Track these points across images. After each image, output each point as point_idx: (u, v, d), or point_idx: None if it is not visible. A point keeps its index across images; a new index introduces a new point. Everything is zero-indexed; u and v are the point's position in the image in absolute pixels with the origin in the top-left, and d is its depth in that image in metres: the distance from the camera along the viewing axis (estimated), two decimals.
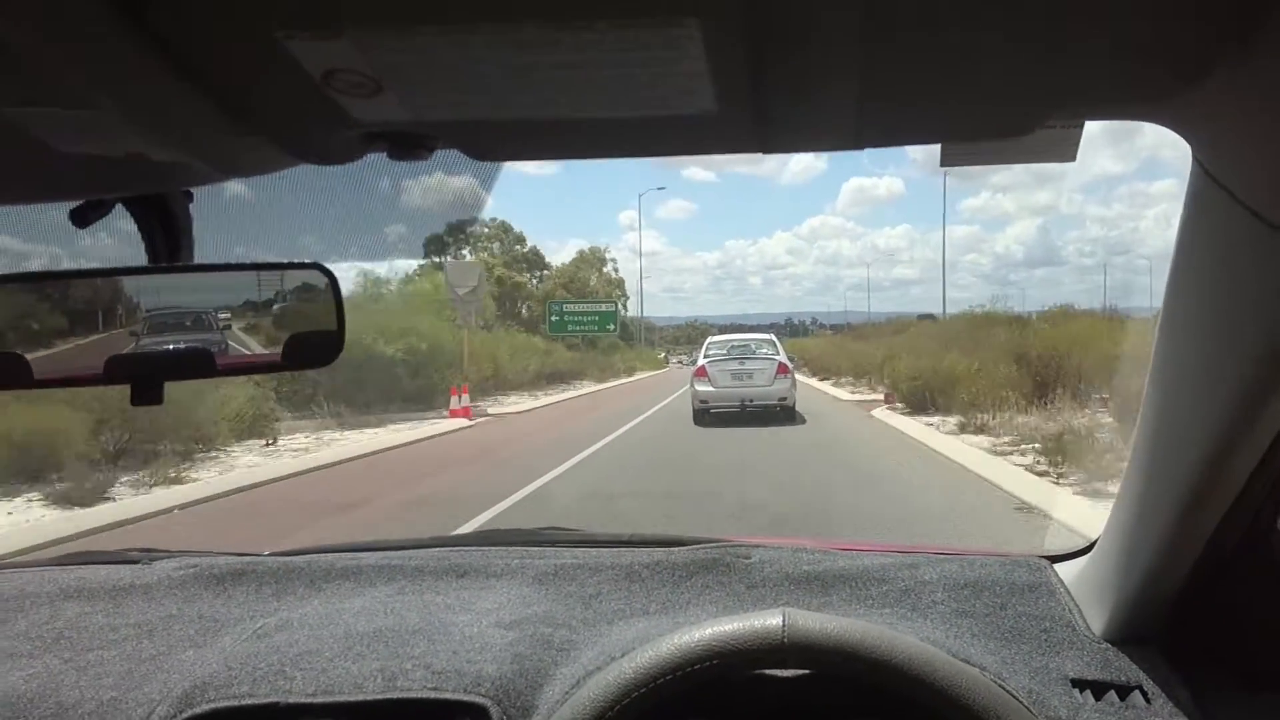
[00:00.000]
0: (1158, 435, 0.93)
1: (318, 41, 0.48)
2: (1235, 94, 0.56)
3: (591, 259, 61.95)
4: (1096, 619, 1.12)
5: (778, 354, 16.62)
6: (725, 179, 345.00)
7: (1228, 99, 0.57)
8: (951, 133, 0.63)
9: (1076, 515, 6.70)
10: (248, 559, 1.43)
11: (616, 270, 63.43)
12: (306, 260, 0.88)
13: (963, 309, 37.31)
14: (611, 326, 45.35)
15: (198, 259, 0.84)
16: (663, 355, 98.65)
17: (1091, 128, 0.66)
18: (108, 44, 0.47)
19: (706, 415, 15.74)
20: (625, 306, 63.32)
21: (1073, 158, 0.70)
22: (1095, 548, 1.17)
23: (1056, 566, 1.26)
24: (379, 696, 1.01)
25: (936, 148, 0.67)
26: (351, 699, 1.01)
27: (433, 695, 1.01)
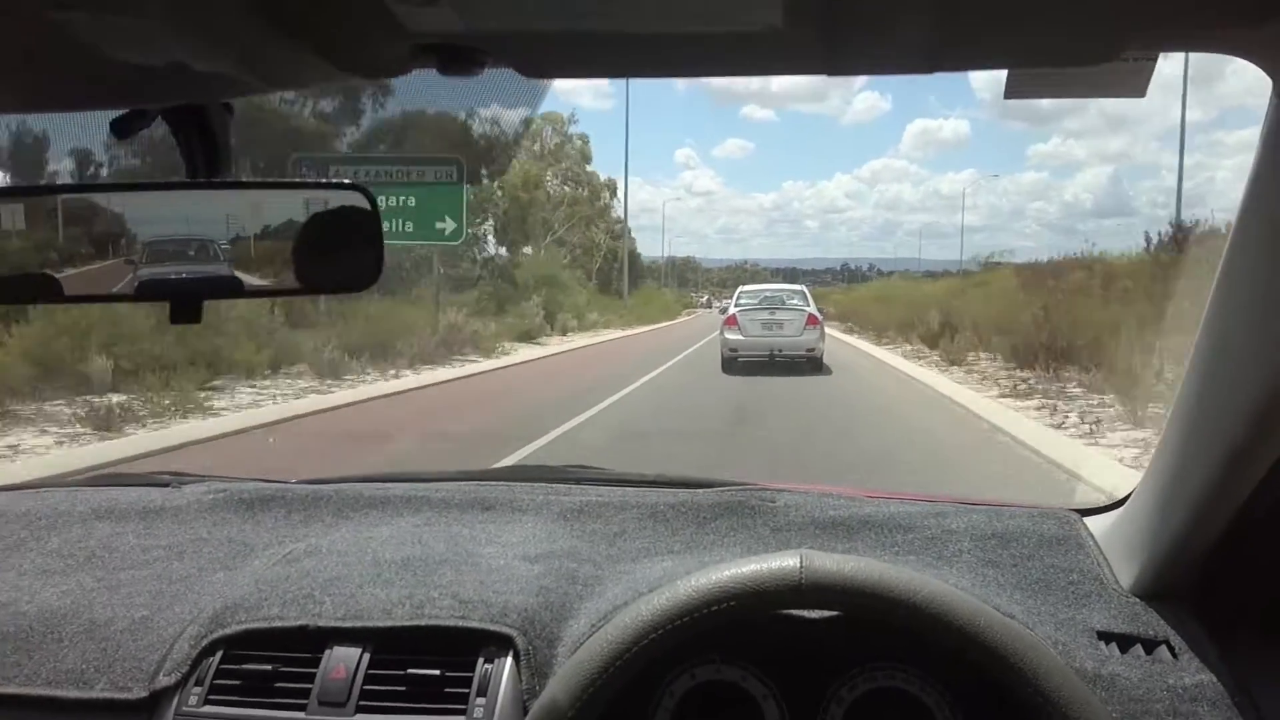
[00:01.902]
0: (1205, 387, 0.92)
1: None
2: None
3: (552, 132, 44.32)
4: (1125, 573, 1.11)
5: (807, 305, 16.63)
6: (785, 117, 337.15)
7: None
8: (1023, 58, 0.61)
9: None
10: (276, 485, 1.45)
11: (589, 163, 48.26)
12: (345, 181, 0.86)
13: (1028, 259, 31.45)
14: (446, 227, 17.69)
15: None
16: (705, 299, 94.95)
17: (1169, 71, 0.59)
18: None
19: (735, 364, 15.80)
20: (626, 234, 54.56)
21: (1142, 93, 0.68)
22: (1128, 502, 1.16)
23: (1086, 520, 1.25)
24: (407, 623, 1.02)
25: (1003, 85, 0.66)
26: (380, 624, 1.02)
27: (460, 624, 1.02)
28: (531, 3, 0.52)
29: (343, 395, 11.91)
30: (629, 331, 34.12)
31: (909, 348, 21.45)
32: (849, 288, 71.81)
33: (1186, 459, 0.97)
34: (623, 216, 54.75)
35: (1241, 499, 0.94)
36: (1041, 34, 0.56)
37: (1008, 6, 0.52)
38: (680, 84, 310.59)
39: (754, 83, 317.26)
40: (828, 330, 17.00)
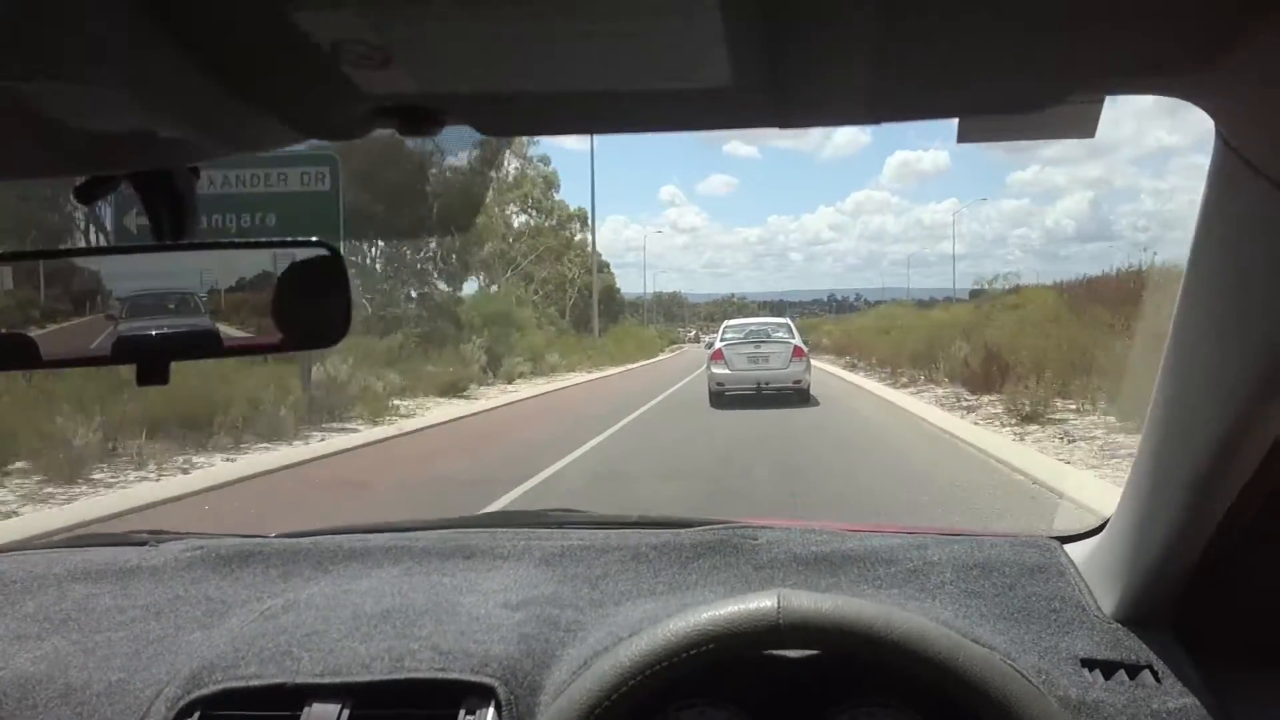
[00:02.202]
0: (1172, 414, 0.93)
1: (324, 10, 0.47)
2: (1257, 66, 0.56)
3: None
4: (1107, 599, 1.11)
5: (793, 338, 16.66)
6: (767, 154, 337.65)
7: (1250, 72, 0.57)
8: (967, 107, 0.63)
9: None
10: (254, 540, 1.43)
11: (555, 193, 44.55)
12: (312, 239, 0.87)
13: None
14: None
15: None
16: (693, 333, 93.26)
17: (1146, 100, 0.59)
18: (110, 18, 0.46)
19: (723, 398, 15.77)
20: (595, 265, 49.19)
21: (1092, 133, 0.69)
22: (1106, 528, 1.16)
23: (1067, 547, 1.25)
24: (386, 677, 1.01)
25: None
26: (359, 679, 1.01)
27: (440, 675, 1.01)
28: (484, 66, 0.53)
29: None
30: (595, 375, 29.26)
31: (940, 391, 16.61)
32: (840, 318, 69.32)
33: (1158, 486, 0.98)
34: (594, 248, 50.10)
35: (1214, 524, 0.95)
36: (985, 83, 0.57)
37: (949, 59, 0.53)
38: None
39: None
40: (827, 368, 17.33)
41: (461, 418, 15.39)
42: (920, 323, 26.34)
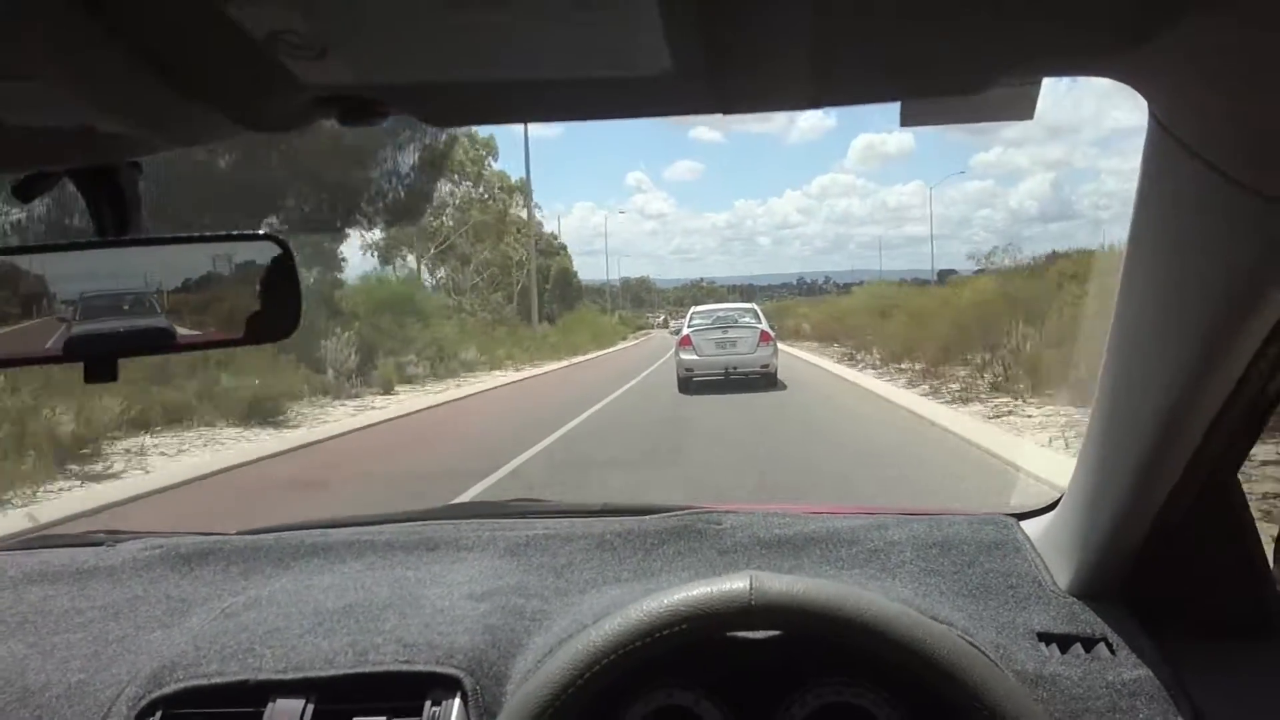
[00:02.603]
0: (1117, 390, 0.94)
1: (258, 4, 0.47)
2: (1186, 49, 0.56)
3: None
4: (1062, 574, 1.13)
5: (759, 323, 16.81)
6: (733, 138, 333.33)
7: (1180, 54, 0.57)
8: (907, 91, 0.63)
9: None
10: (214, 539, 1.41)
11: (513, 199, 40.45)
12: (260, 232, 0.85)
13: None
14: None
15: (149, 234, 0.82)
16: (661, 318, 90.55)
17: (1104, 82, 0.64)
18: (46, 12, 0.46)
19: (691, 384, 15.85)
20: (532, 243, 42.50)
21: (1030, 115, 0.70)
22: (1060, 504, 1.18)
23: (1023, 523, 1.26)
24: (350, 670, 1.01)
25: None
26: (322, 674, 1.00)
27: (404, 668, 1.01)
28: (422, 56, 0.53)
29: None
30: (525, 374, 23.40)
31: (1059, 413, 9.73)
32: (813, 301, 64.40)
33: (1106, 462, 0.99)
34: (531, 217, 43.63)
35: (1161, 499, 0.96)
36: (922, 67, 0.58)
37: (887, 43, 0.54)
38: None
39: None
40: (818, 362, 16.69)
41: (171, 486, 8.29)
42: (922, 304, 20.35)
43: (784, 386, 15.37)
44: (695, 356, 15.92)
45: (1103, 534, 1.03)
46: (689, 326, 16.77)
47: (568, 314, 48.21)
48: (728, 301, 25.50)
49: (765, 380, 15.58)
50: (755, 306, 18.76)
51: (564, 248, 62.42)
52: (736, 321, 16.69)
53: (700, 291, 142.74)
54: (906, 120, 0.67)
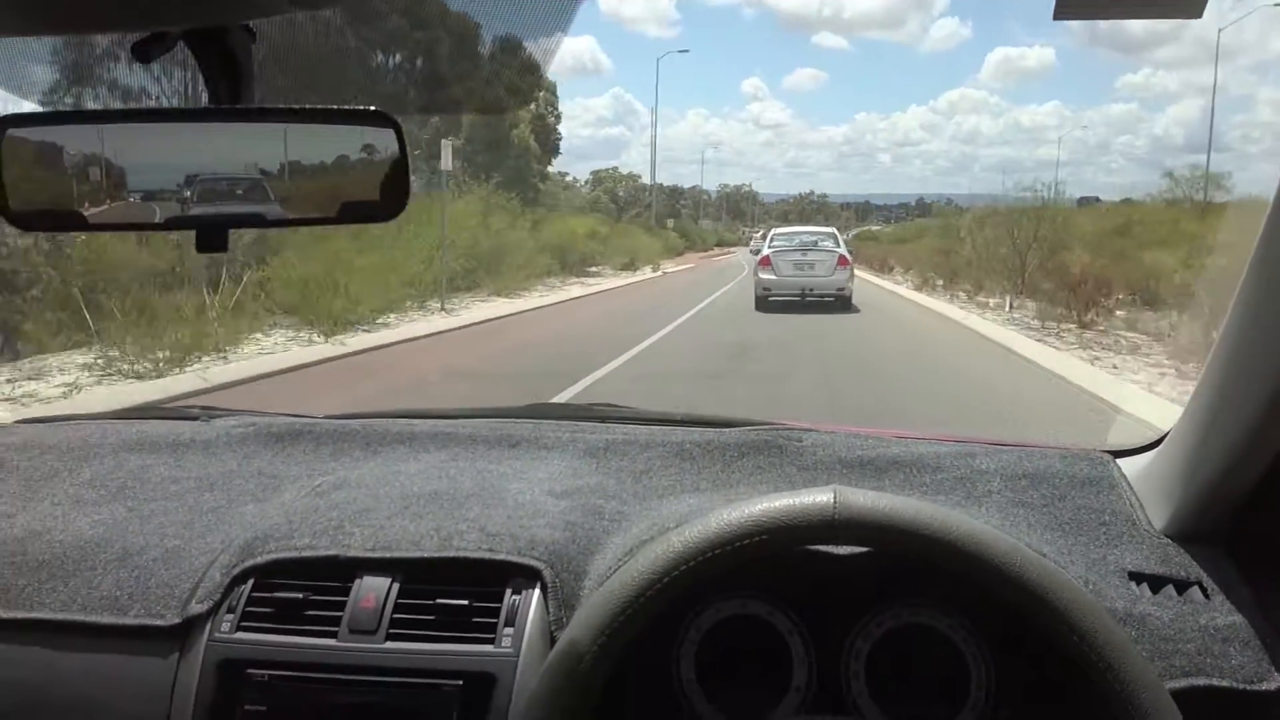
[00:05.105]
0: (1248, 329, 0.90)
1: None
2: None
3: None
4: (1159, 515, 1.10)
5: (838, 247, 17.31)
6: (859, 45, 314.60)
7: None
8: None
9: None
10: (305, 420, 1.45)
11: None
12: (371, 109, 0.85)
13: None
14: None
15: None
16: (760, 233, 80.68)
17: None
18: None
19: (767, 301, 16.49)
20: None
21: (1199, 13, 0.64)
22: (1164, 442, 1.14)
23: (1120, 461, 1.23)
24: (435, 554, 1.03)
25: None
26: (409, 555, 1.03)
27: (488, 556, 1.02)
28: None
29: None
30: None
31: None
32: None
33: (1225, 401, 0.96)
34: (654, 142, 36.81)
35: (1279, 443, 0.92)
36: None
37: None
38: (747, 10, 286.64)
39: (826, 8, 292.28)
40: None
41: None
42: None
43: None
44: (774, 276, 16.57)
45: (1210, 473, 1.00)
46: (769, 247, 17.43)
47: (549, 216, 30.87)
48: (816, 225, 24.77)
49: (840, 303, 16.25)
50: (835, 231, 19.31)
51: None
52: (816, 245, 17.23)
53: (809, 207, 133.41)
54: (1061, 12, 0.62)
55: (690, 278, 29.95)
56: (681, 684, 1.01)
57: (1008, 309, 16.46)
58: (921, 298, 20.90)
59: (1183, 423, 1.07)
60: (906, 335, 13.39)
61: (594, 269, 29.31)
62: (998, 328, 13.73)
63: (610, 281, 26.27)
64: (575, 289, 22.33)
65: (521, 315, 15.49)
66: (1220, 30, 28.65)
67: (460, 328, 13.38)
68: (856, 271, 18.87)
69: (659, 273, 32.65)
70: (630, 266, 31.91)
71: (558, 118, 37.91)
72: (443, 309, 15.06)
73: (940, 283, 22.66)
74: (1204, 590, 1.00)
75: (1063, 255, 16.78)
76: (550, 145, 38.15)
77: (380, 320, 13.22)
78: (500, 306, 16.60)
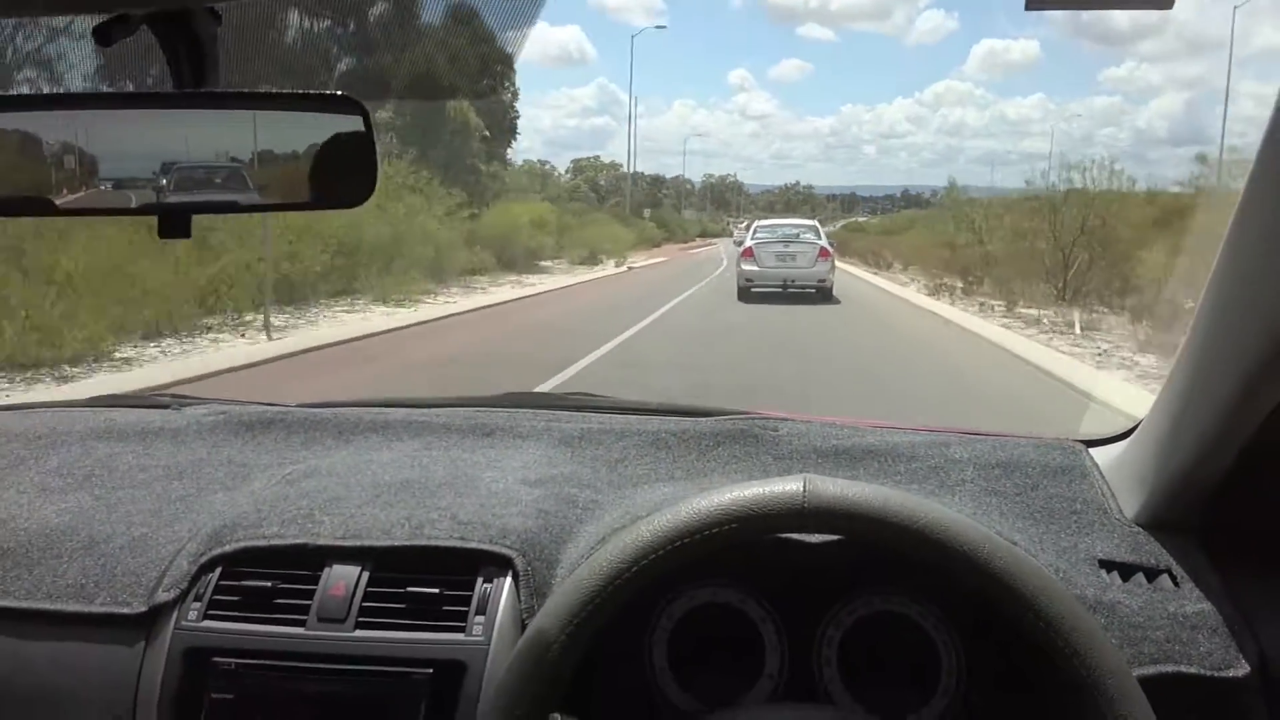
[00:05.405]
0: (1223, 313, 0.91)
1: None
2: None
3: None
4: (1130, 503, 1.10)
5: (819, 239, 17.37)
6: (845, 36, 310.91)
7: None
8: None
9: None
10: (276, 409, 1.43)
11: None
12: (338, 94, 0.85)
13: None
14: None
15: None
16: (745, 223, 77.79)
17: None
18: None
19: (749, 293, 16.37)
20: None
21: (1169, 4, 0.65)
22: (1136, 431, 1.15)
23: (1092, 450, 1.24)
24: (406, 543, 1.02)
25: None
26: (379, 544, 1.02)
27: (459, 544, 1.02)
28: None
29: None
30: None
31: None
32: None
33: (1197, 390, 0.96)
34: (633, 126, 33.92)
35: (1250, 432, 0.93)
36: None
37: None
38: (734, 0, 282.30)
39: (812, 0, 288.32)
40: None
41: None
42: None
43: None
44: (756, 267, 16.60)
45: (1181, 461, 1.01)
46: (752, 239, 17.63)
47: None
48: (800, 217, 24.95)
49: (820, 294, 16.21)
50: (817, 224, 19.44)
51: None
52: (798, 237, 17.40)
53: (795, 198, 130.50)
54: (1034, 2, 0.63)
55: (657, 275, 25.00)
56: (654, 671, 1.00)
57: (1077, 329, 12.15)
58: (945, 309, 15.82)
59: (1155, 411, 1.07)
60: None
61: (547, 264, 25.15)
62: None
63: (557, 280, 21.33)
64: (504, 291, 17.90)
65: (371, 340, 10.73)
66: (1235, 8, 25.88)
67: (241, 367, 8.41)
68: (851, 269, 19.00)
69: (623, 269, 28.11)
70: (590, 261, 27.59)
71: (514, 94, 33.62)
72: (266, 328, 10.67)
73: (958, 286, 18.37)
74: (1173, 578, 1.00)
75: (1130, 252, 13.00)
76: (507, 125, 33.89)
77: (120, 353, 8.46)
78: (358, 324, 12.00)
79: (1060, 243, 15.33)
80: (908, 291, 19.90)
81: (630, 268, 28.26)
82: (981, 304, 16.06)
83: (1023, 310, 14.45)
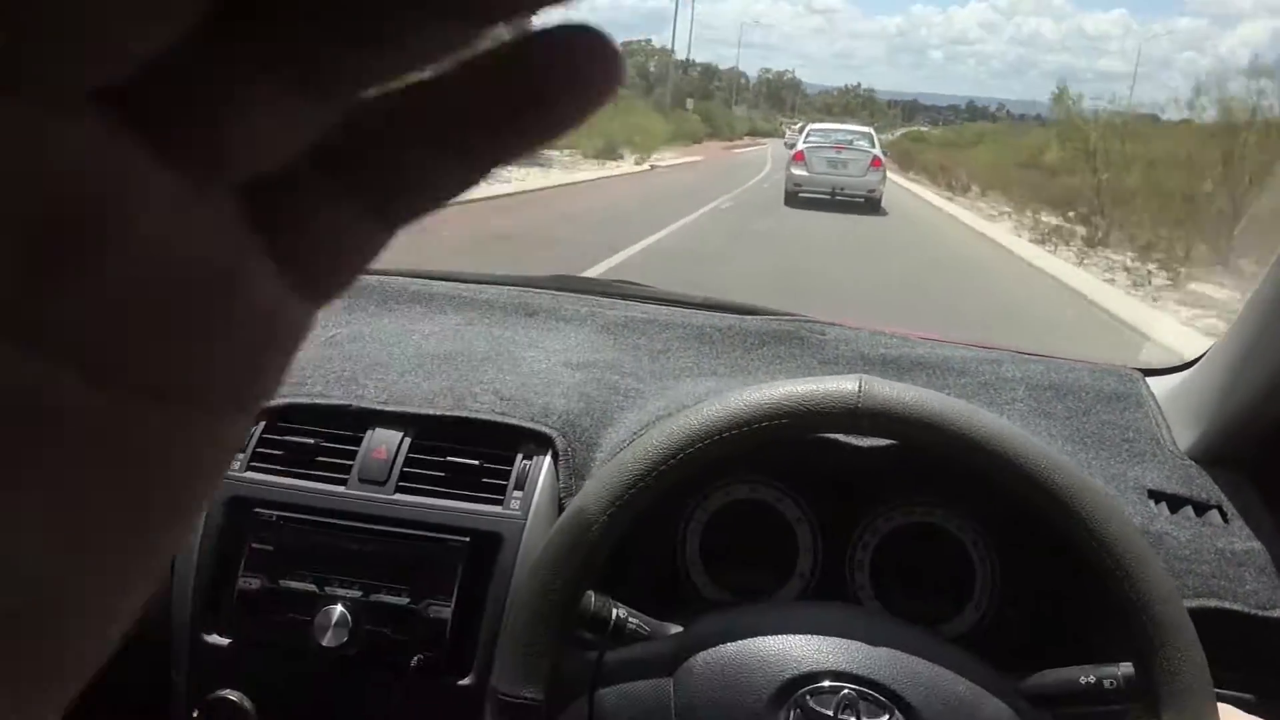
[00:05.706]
0: None
1: None
2: None
3: None
4: (1185, 436, 1.08)
5: (873, 148, 17.18)
6: None
7: None
8: None
9: None
10: None
11: None
12: None
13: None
14: None
15: None
16: (799, 125, 73.47)
17: None
18: None
19: (797, 198, 16.23)
20: None
21: None
22: (1199, 364, 1.13)
23: (1150, 380, 1.21)
24: (448, 413, 1.02)
25: None
26: (421, 411, 1.02)
27: (500, 419, 1.02)
28: None
29: None
30: None
31: None
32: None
33: (1270, 324, 0.94)
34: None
35: None
36: None
37: None
38: None
39: None
40: None
41: None
42: None
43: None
44: (805, 173, 16.29)
45: (1244, 397, 0.98)
46: (804, 143, 17.32)
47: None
48: (857, 123, 24.58)
49: (869, 205, 16.14)
50: (871, 131, 19.56)
51: None
52: (851, 144, 17.12)
53: (854, 101, 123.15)
54: None
55: (684, 179, 21.14)
56: (686, 562, 1.01)
57: None
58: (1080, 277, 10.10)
59: (1222, 344, 1.05)
60: None
61: (552, 154, 21.01)
62: None
63: (552, 178, 17.44)
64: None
65: None
66: None
67: None
68: (916, 188, 19.09)
69: (645, 166, 23.87)
70: (606, 155, 23.30)
71: None
72: None
73: (1078, 232, 13.61)
74: (1223, 514, 0.98)
75: None
76: None
77: None
78: None
79: (1232, 188, 10.92)
80: (998, 231, 14.93)
81: (654, 167, 23.93)
82: (1170, 275, 10.24)
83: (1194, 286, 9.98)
